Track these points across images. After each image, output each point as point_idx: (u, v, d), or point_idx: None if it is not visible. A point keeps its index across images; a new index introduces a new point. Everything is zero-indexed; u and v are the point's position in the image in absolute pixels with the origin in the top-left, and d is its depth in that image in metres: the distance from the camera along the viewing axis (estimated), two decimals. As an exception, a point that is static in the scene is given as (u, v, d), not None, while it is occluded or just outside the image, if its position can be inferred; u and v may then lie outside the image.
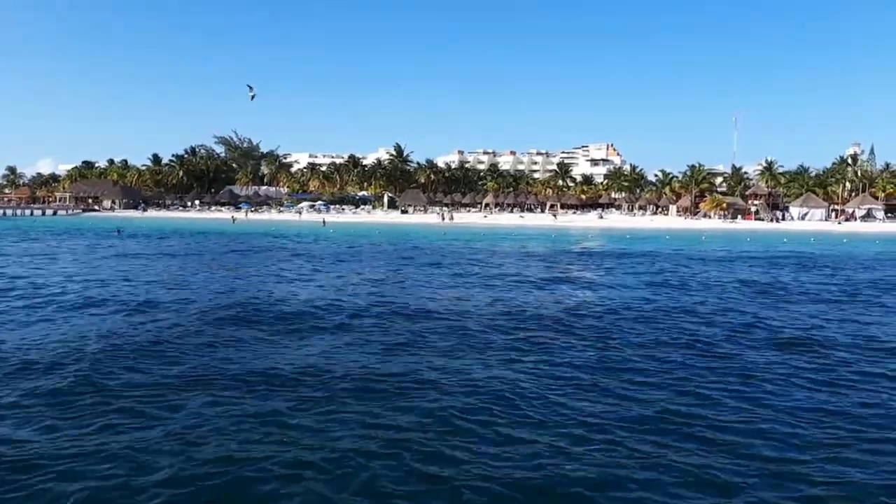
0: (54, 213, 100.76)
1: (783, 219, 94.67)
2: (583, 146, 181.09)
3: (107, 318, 14.29)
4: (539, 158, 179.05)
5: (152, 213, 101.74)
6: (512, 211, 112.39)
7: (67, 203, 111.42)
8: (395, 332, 13.12)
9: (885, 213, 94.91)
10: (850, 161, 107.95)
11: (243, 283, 21.90)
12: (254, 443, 6.99)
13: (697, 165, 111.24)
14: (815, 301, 18.53)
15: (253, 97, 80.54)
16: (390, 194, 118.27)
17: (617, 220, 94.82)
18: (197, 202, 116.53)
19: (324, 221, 79.19)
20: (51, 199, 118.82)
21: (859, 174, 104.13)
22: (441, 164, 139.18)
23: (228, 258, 31.68)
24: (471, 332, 13.16)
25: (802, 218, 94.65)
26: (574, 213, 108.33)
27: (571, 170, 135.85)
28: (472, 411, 8.07)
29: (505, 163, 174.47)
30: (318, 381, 9.27)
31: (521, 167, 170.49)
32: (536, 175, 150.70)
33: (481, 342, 12.16)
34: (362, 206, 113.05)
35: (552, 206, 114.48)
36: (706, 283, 22.99)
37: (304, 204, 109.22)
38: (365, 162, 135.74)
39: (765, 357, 11.17)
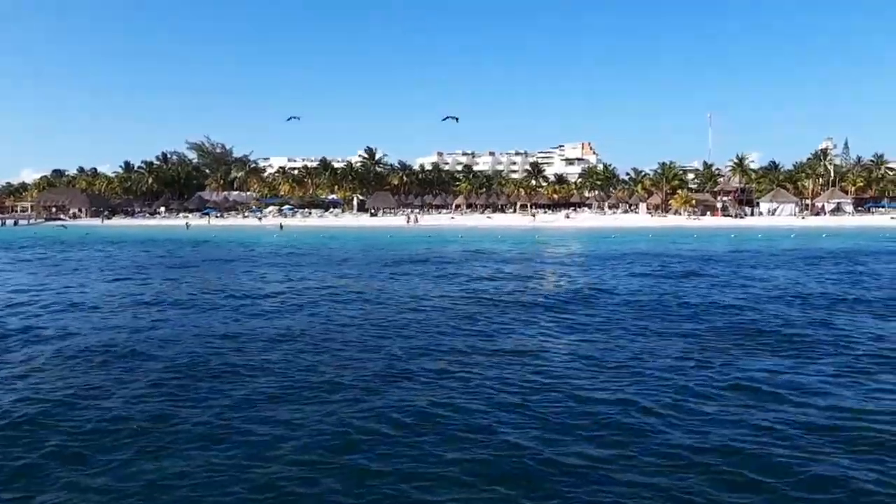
0: (15, 223, 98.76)
1: (752, 214, 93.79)
2: (559, 146, 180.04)
3: None
4: (518, 158, 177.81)
5: (116, 221, 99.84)
6: (483, 212, 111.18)
7: (30, 213, 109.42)
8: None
9: (855, 207, 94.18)
10: (821, 156, 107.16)
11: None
12: None
13: (668, 163, 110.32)
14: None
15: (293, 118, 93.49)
16: (360, 197, 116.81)
17: (585, 219, 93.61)
18: (163, 209, 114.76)
19: (280, 226, 77.60)
20: (15, 209, 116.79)
21: (830, 169, 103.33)
22: (417, 166, 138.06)
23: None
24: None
25: (772, 213, 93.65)
26: (545, 212, 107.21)
27: (544, 169, 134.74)
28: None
29: (484, 163, 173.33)
30: None
31: (499, 167, 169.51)
32: (515, 175, 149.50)
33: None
34: (332, 210, 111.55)
35: (523, 207, 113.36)
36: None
37: (271, 208, 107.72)
38: (338, 165, 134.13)
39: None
